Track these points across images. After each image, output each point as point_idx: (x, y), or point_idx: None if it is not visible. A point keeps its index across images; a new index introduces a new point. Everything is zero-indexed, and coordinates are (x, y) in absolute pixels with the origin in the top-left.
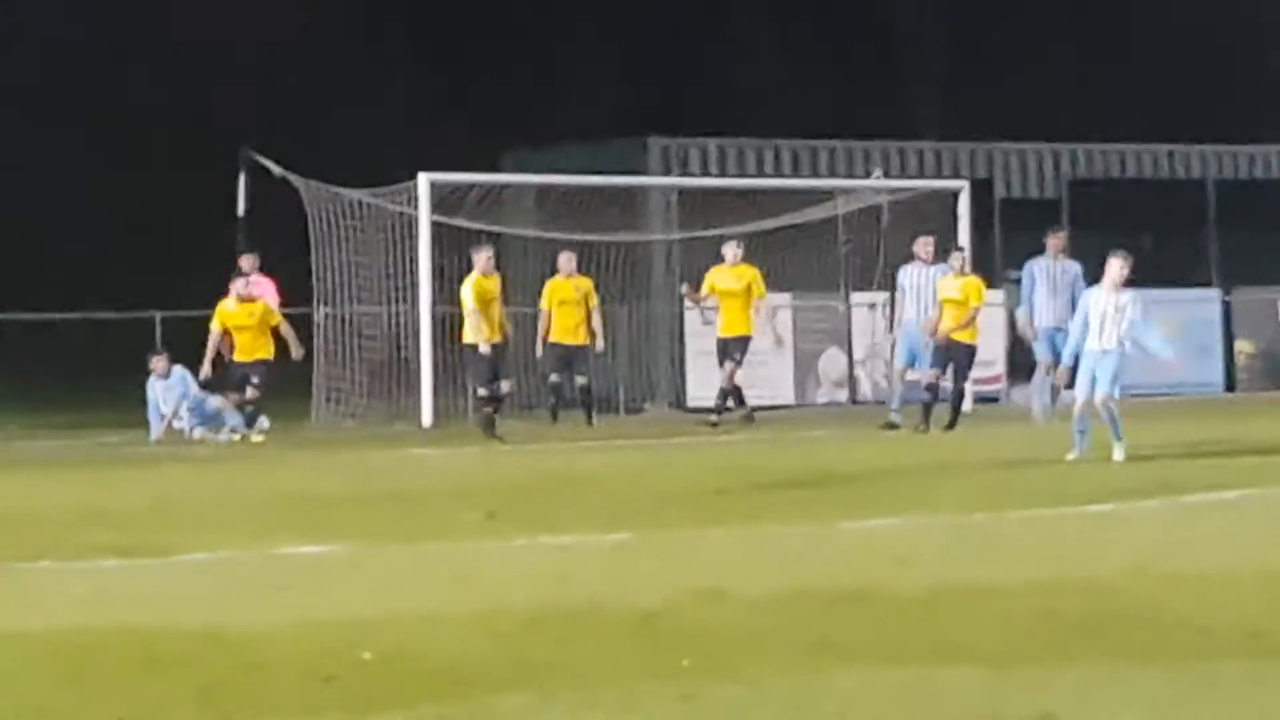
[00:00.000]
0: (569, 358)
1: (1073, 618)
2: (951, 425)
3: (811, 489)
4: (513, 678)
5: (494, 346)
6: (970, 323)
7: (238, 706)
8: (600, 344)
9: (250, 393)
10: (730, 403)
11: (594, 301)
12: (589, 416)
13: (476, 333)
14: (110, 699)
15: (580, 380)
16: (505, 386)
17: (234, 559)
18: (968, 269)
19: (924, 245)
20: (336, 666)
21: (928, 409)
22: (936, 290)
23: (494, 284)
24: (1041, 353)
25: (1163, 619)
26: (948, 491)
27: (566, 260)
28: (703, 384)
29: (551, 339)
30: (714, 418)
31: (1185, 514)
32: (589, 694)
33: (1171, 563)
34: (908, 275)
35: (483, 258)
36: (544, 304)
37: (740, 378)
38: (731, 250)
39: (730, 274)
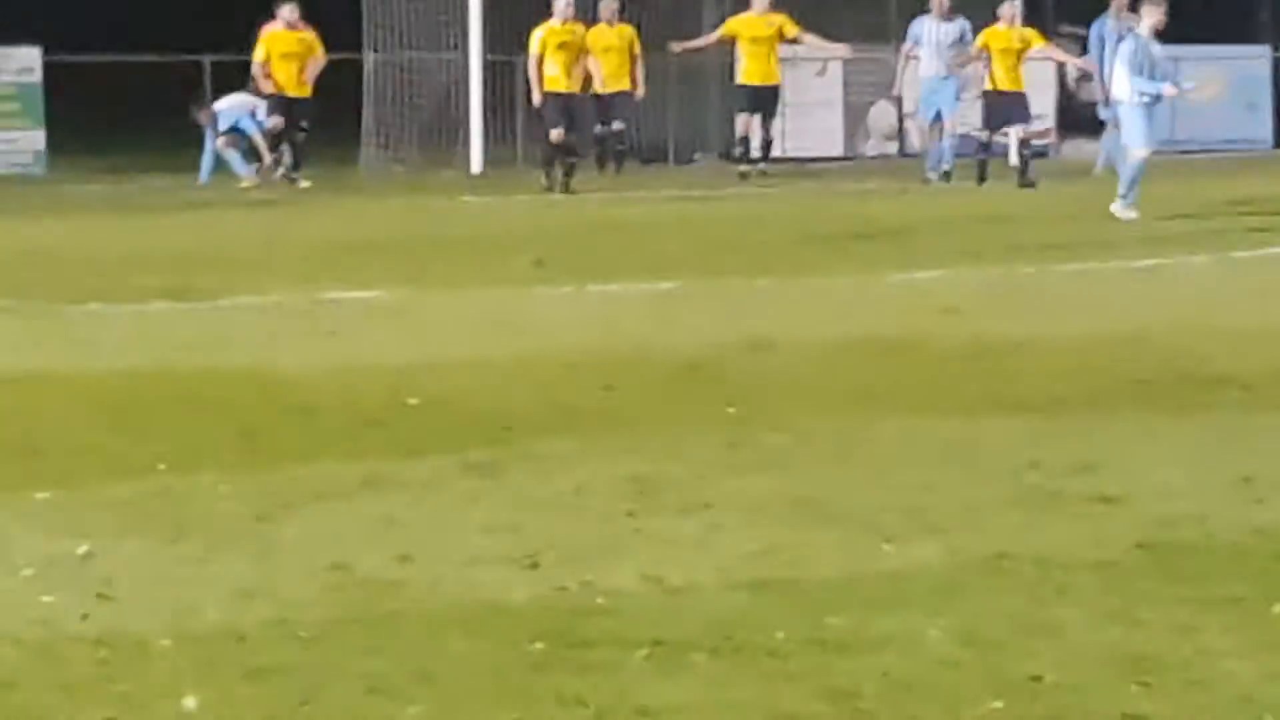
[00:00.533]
0: (611, 104)
1: (1116, 371)
2: (1029, 182)
3: (859, 241)
4: (557, 423)
5: (567, 95)
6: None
7: (282, 449)
8: (641, 91)
9: (299, 135)
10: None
11: (637, 49)
12: (618, 164)
13: (541, 81)
14: (155, 439)
15: (618, 125)
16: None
17: (281, 303)
18: (1018, 20)
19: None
20: (381, 411)
21: (984, 165)
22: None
23: (568, 31)
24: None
25: (1204, 372)
26: (995, 245)
27: (607, 5)
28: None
29: (595, 88)
30: (744, 167)
31: (1232, 269)
32: (632, 439)
33: (1216, 318)
34: (923, 28)
35: (560, 4)
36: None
37: (773, 129)
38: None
39: (759, 21)
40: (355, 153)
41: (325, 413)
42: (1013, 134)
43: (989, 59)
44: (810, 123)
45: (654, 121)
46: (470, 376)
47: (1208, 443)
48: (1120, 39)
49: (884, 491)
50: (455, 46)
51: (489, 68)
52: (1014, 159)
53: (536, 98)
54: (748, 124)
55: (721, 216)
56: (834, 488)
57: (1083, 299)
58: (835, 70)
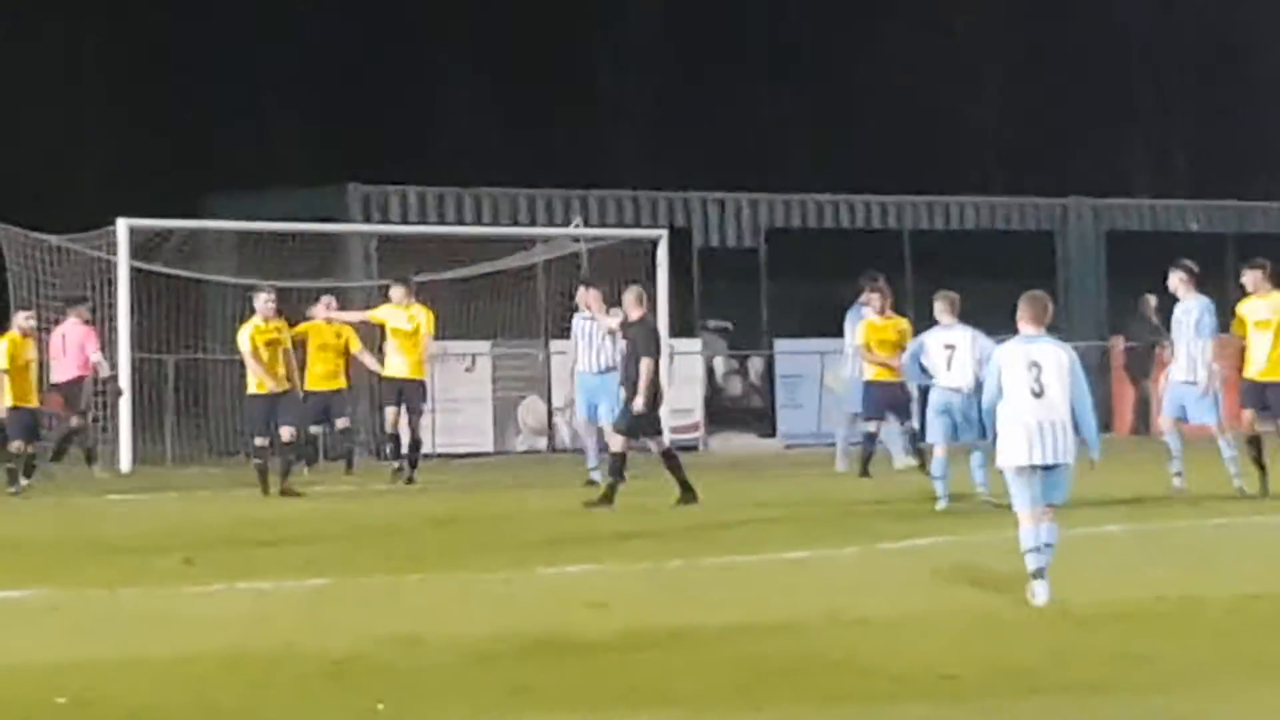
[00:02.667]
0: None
1: (767, 662)
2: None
3: (509, 534)
4: None
5: (273, 394)
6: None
7: None
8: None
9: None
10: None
11: (356, 346)
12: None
13: (254, 380)
14: None
15: (342, 423)
16: (286, 435)
17: None
18: (889, 309)
19: (586, 297)
20: (31, 711)
21: (869, 456)
22: (856, 333)
23: (275, 330)
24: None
25: (855, 663)
26: (644, 538)
27: (265, 301)
28: (403, 430)
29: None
30: (397, 464)
31: (879, 560)
32: None
33: (865, 608)
34: (579, 325)
35: (262, 300)
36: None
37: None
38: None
39: (402, 312)
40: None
41: None
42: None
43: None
44: (460, 417)
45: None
46: (121, 675)
47: None
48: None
49: None
50: (104, 345)
51: (136, 366)
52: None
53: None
54: (394, 418)
55: (373, 512)
56: None
57: (732, 592)
58: (484, 365)
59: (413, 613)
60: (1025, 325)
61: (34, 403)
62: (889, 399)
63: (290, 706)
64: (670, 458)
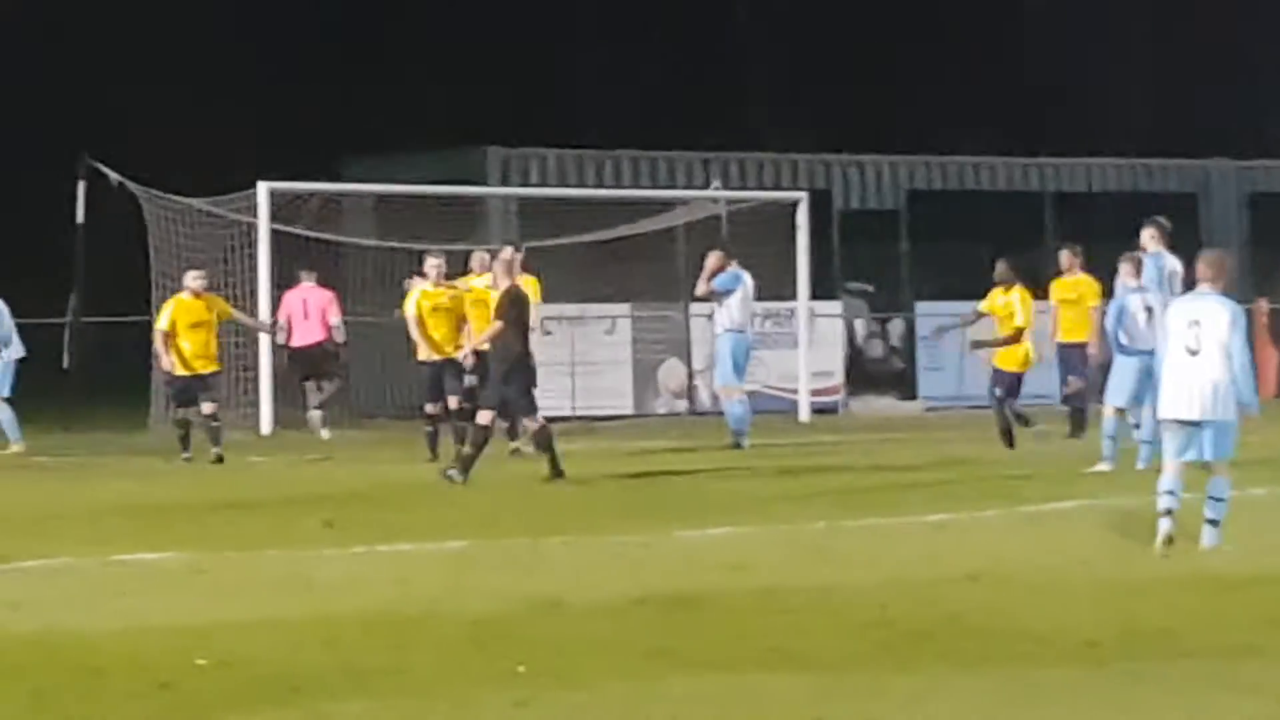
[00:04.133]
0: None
1: (905, 625)
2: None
3: (649, 498)
4: (348, 684)
5: (437, 362)
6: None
7: (71, 713)
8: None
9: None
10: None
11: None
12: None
13: (419, 347)
14: None
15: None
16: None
17: (71, 566)
18: (1078, 270)
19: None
20: (172, 672)
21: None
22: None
23: (443, 295)
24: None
25: (995, 627)
26: (785, 500)
27: (433, 265)
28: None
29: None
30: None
31: (1020, 523)
32: (423, 701)
33: (1006, 571)
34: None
35: (431, 264)
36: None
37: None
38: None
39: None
40: (144, 414)
41: (114, 675)
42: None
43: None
44: (599, 380)
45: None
46: (260, 637)
47: (999, 697)
48: None
49: None
50: (244, 308)
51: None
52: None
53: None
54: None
55: (513, 476)
56: None
57: (872, 554)
58: (624, 327)
59: (553, 575)
60: (1200, 283)
61: (197, 369)
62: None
63: (431, 668)
64: (543, 434)
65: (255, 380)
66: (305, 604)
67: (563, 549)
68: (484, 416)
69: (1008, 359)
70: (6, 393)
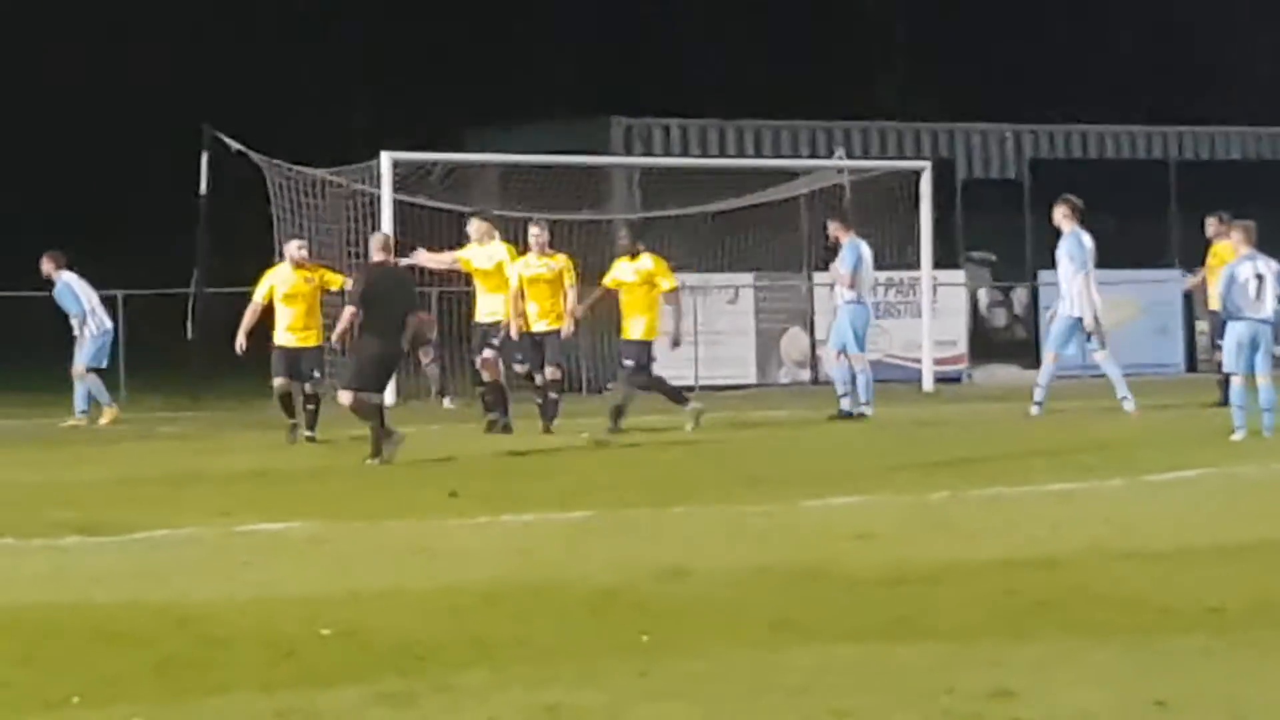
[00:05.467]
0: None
1: (1031, 595)
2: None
3: (773, 467)
4: (471, 653)
5: (533, 332)
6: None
7: (196, 681)
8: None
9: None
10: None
11: (570, 280)
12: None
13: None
14: (69, 675)
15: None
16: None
17: (195, 536)
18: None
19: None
20: (296, 642)
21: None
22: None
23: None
24: None
25: (1121, 595)
26: (909, 470)
27: (535, 235)
28: (665, 363)
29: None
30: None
31: (1145, 493)
32: (547, 669)
33: (1131, 540)
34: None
35: (533, 234)
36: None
37: (669, 360)
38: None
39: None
40: (265, 385)
41: (239, 644)
42: None
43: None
44: (723, 350)
45: (567, 351)
46: (384, 607)
47: (1124, 666)
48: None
49: (799, 719)
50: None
51: None
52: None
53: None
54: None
55: (635, 445)
56: (749, 715)
57: (996, 524)
58: (747, 297)
59: (676, 545)
60: None
61: (297, 342)
62: None
63: (554, 638)
64: (377, 414)
65: None
66: (429, 574)
67: (685, 518)
68: (346, 398)
69: None
70: (101, 363)
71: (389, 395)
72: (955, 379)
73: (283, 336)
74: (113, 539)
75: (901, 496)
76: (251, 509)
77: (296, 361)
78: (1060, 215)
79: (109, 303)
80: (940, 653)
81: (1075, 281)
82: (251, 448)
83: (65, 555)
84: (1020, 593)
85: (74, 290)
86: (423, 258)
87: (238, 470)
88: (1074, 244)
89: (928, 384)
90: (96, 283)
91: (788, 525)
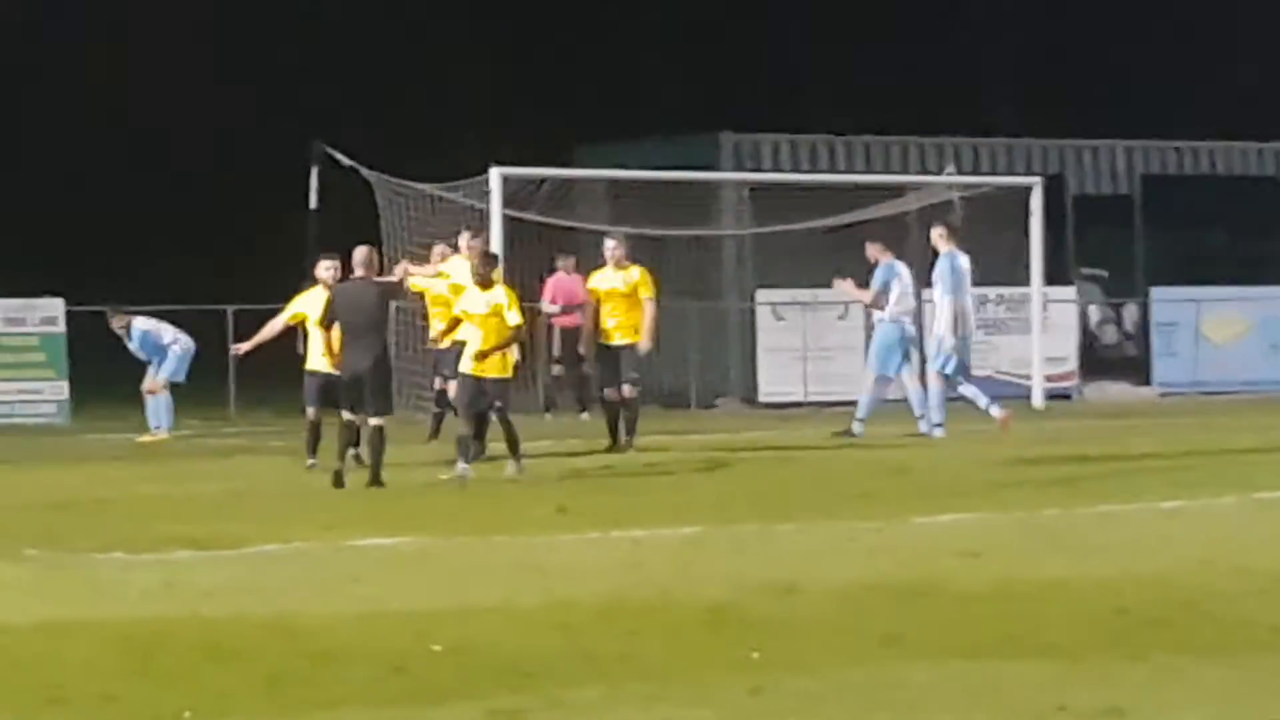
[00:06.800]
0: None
1: (1142, 613)
2: None
3: (882, 483)
4: (582, 670)
5: (611, 347)
6: None
7: (306, 697)
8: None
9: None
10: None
11: (648, 292)
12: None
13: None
14: (179, 689)
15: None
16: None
17: (304, 550)
18: None
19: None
20: (406, 657)
21: None
22: None
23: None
24: None
25: (1232, 614)
26: (1019, 487)
27: (612, 249)
28: (774, 379)
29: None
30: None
31: (1257, 510)
32: (658, 686)
33: (1242, 559)
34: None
35: (609, 246)
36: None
37: (782, 377)
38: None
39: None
40: None
41: (349, 660)
42: None
43: None
44: (831, 366)
45: (675, 367)
46: (495, 623)
47: (1235, 685)
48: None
49: None
50: None
51: None
52: None
53: (587, 346)
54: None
55: (743, 461)
56: None
57: (1106, 541)
58: (857, 313)
59: (786, 560)
60: None
61: (328, 368)
62: None
63: (665, 654)
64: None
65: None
66: (539, 589)
67: (795, 534)
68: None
69: None
70: (180, 378)
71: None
72: (1066, 396)
73: (316, 361)
74: (223, 553)
75: (1011, 513)
76: (361, 524)
77: (331, 389)
78: (936, 236)
79: (218, 316)
80: (1050, 670)
81: (943, 304)
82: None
83: (175, 569)
84: (1131, 611)
85: (151, 336)
86: (405, 271)
87: (346, 485)
88: (944, 267)
89: (1038, 401)
90: (205, 297)
91: (898, 541)
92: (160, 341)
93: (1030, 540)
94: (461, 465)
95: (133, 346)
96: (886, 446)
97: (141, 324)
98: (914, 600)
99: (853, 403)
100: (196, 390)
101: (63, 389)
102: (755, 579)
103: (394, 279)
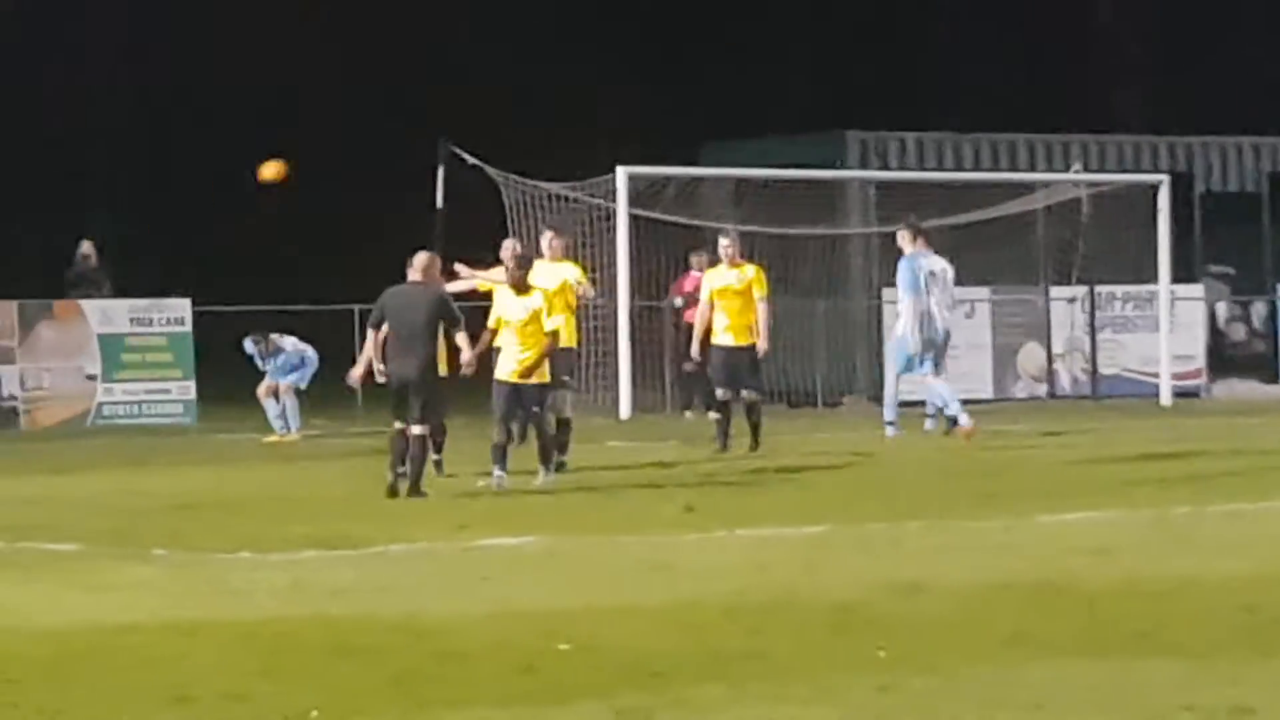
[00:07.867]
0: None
1: (1271, 611)
2: None
3: (1008, 482)
4: (708, 669)
5: (726, 348)
6: None
7: (433, 696)
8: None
9: None
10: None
11: (762, 291)
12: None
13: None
14: (306, 688)
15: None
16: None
17: (431, 550)
18: None
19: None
20: (534, 656)
21: None
22: None
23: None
24: None
25: None
26: (1147, 485)
27: (724, 246)
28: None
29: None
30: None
31: None
32: (783, 685)
33: None
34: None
35: (722, 244)
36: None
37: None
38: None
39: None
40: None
41: (476, 659)
42: None
43: None
44: (958, 364)
45: (801, 365)
46: (622, 622)
47: None
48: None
49: None
50: (603, 293)
51: (636, 313)
52: None
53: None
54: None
55: (870, 459)
56: None
57: (1236, 540)
58: (983, 311)
59: (912, 559)
60: None
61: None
62: None
63: (792, 653)
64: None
65: (614, 364)
66: (665, 589)
67: (921, 533)
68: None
69: None
70: (301, 384)
71: (625, 409)
72: (1194, 393)
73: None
74: (349, 553)
75: (1139, 511)
76: (487, 523)
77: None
78: (901, 238)
79: (347, 315)
80: (1178, 669)
81: (905, 305)
82: (485, 461)
83: (302, 569)
84: (1260, 609)
85: (290, 354)
86: (463, 274)
87: (472, 484)
88: (905, 268)
89: (1165, 398)
90: (335, 297)
91: (1024, 540)
92: (293, 362)
93: (1158, 538)
94: (498, 473)
95: (267, 366)
96: (1016, 443)
97: (284, 345)
98: (1040, 599)
99: (978, 401)
100: (323, 391)
101: (189, 389)
102: (881, 578)
103: (459, 286)
